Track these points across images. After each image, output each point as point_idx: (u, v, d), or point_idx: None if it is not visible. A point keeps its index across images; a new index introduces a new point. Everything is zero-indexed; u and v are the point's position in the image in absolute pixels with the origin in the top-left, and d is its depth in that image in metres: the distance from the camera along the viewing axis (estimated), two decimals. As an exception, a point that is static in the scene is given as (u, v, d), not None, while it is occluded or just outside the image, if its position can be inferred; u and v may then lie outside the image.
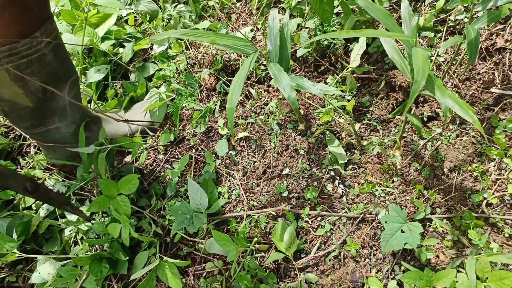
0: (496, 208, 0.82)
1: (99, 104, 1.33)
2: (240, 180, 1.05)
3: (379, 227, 0.86)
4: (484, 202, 0.83)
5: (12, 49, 0.75)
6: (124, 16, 1.53)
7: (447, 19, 1.12)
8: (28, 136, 1.21)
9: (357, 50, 1.04)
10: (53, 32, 0.83)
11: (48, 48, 0.83)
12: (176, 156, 1.15)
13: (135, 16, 1.51)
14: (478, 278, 0.69)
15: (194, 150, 1.14)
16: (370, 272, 0.81)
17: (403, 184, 0.91)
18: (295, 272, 0.87)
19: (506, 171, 0.86)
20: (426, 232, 0.84)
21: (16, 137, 1.35)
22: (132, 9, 1.52)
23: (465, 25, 0.92)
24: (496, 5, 0.84)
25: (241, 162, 1.07)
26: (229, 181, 1.06)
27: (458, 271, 0.73)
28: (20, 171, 1.21)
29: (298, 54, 1.14)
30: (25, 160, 1.25)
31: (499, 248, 0.76)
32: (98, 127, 1.13)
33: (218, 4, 1.48)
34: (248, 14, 1.44)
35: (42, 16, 0.80)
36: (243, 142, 1.10)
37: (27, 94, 0.85)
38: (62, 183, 1.15)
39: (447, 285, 0.68)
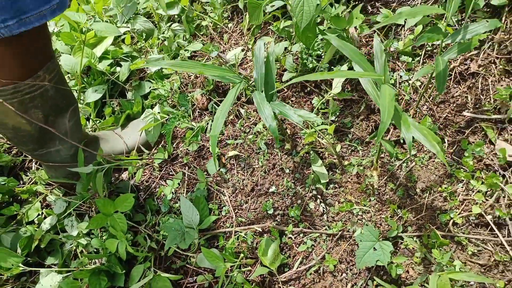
0: (461, 227, 0.90)
1: (97, 122, 1.40)
2: (229, 197, 1.12)
3: (356, 243, 0.93)
4: (451, 221, 0.90)
5: (16, 88, 0.82)
6: (121, 35, 1.60)
7: (426, 44, 1.20)
8: (29, 157, 1.28)
9: (339, 79, 1.11)
10: (55, 69, 0.90)
11: (50, 85, 0.90)
12: (171, 173, 1.22)
13: (132, 35, 1.58)
14: (440, 293, 0.77)
15: (187, 168, 1.21)
16: (346, 286, 0.89)
17: (379, 203, 0.98)
18: (279, 285, 0.94)
19: (472, 192, 0.93)
20: (398, 249, 0.91)
21: (18, 153, 1.42)
22: (129, 27, 1.59)
23: (436, 56, 0.99)
24: (465, 38, 0.91)
25: (231, 180, 1.15)
26: (219, 198, 1.13)
27: (423, 286, 0.81)
28: (23, 187, 1.28)
29: (284, 79, 1.21)
30: (27, 176, 1.32)
31: (462, 265, 0.83)
32: (96, 147, 1.20)
33: (211, 24, 1.55)
34: (240, 34, 1.51)
35: (45, 57, 0.87)
36: (233, 161, 1.17)
37: (30, 123, 0.92)
38: (62, 198, 1.22)
39: (411, 300, 0.76)
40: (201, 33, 1.57)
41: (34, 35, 0.81)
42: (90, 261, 1.09)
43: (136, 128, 1.29)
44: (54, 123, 0.99)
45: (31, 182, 1.31)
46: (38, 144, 1.02)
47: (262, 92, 0.94)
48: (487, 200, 0.91)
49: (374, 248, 0.85)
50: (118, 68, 1.48)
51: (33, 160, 1.37)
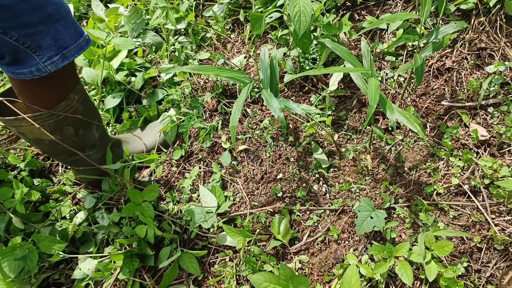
0: (444, 196, 1.06)
1: (116, 126, 1.55)
2: (242, 185, 1.27)
3: (355, 216, 1.09)
4: (435, 192, 1.06)
5: (52, 111, 0.95)
6: (134, 49, 1.76)
7: (407, 45, 1.37)
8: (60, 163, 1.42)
9: (336, 77, 1.28)
10: (81, 89, 1.02)
11: (79, 103, 1.02)
12: (187, 168, 1.37)
13: (143, 48, 1.74)
14: (427, 248, 0.92)
15: (202, 162, 1.36)
16: (349, 250, 1.04)
17: (373, 181, 1.14)
18: (291, 255, 1.09)
19: (452, 167, 1.10)
20: (391, 218, 1.07)
21: (45, 158, 1.56)
22: (139, 41, 1.76)
23: (414, 54, 1.16)
24: (438, 38, 1.08)
25: (242, 170, 1.30)
26: (233, 186, 1.28)
27: (414, 245, 0.96)
28: (53, 187, 1.42)
29: (285, 80, 1.37)
30: (56, 177, 1.46)
31: (445, 227, 0.99)
32: (120, 148, 1.35)
33: (214, 35, 1.72)
34: (241, 43, 1.68)
35: (73, 81, 0.99)
36: (243, 154, 1.33)
37: (64, 139, 1.06)
38: (91, 194, 1.37)
39: (404, 254, 0.91)
40: (206, 44, 1.74)
41: (64, 70, 0.91)
42: (120, 247, 1.23)
43: (153, 129, 1.44)
44: (84, 135, 1.13)
45: (60, 183, 1.45)
46: (70, 154, 1.15)
47: (268, 90, 1.10)
48: (464, 173, 1.07)
49: (370, 217, 1.00)
50: (133, 78, 1.64)
51: (59, 163, 1.51)
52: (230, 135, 1.37)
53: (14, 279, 1.12)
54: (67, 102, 0.98)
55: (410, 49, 1.36)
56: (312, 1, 1.18)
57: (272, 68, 1.12)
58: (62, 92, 0.97)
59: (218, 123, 1.41)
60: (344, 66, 1.30)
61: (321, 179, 1.20)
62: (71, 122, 1.04)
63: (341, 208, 1.11)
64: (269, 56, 1.13)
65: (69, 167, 1.41)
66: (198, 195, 1.26)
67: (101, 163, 1.29)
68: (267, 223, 1.16)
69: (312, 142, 1.26)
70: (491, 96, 1.17)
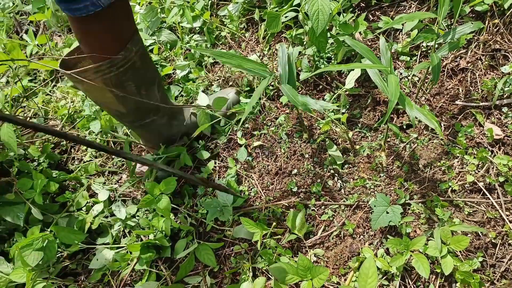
0: (458, 193, 1.07)
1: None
2: (257, 180, 1.29)
3: (370, 211, 1.10)
4: (450, 189, 1.07)
5: (112, 62, 0.96)
6: (149, 46, 1.79)
7: (421, 45, 1.39)
8: (129, 129, 1.44)
9: (353, 75, 1.30)
10: (139, 42, 1.03)
11: (137, 57, 1.02)
12: (203, 163, 1.39)
13: (159, 46, 1.77)
14: (443, 242, 0.93)
15: (217, 157, 1.38)
16: (364, 244, 1.05)
17: (388, 178, 1.16)
18: (306, 249, 1.11)
19: (466, 165, 1.11)
20: (406, 213, 1.08)
21: (62, 152, 1.59)
22: (155, 39, 1.79)
23: (430, 53, 1.18)
24: (454, 38, 1.10)
25: (257, 166, 1.32)
26: (248, 181, 1.30)
27: (429, 240, 0.97)
28: (69, 174, 1.44)
29: (301, 78, 1.39)
30: (73, 170, 1.49)
31: (460, 223, 1.00)
32: (183, 115, 1.38)
33: (229, 34, 1.75)
34: (255, 42, 1.71)
35: (130, 31, 1.00)
36: (258, 150, 1.35)
37: (126, 96, 1.06)
38: (106, 186, 1.39)
39: (419, 248, 0.92)
40: (220, 42, 1.76)
41: (119, 9, 0.93)
42: (137, 238, 1.25)
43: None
44: (147, 95, 1.14)
45: (78, 174, 1.47)
46: (137, 117, 1.18)
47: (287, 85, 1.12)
48: (479, 171, 1.09)
49: (386, 211, 1.02)
50: (149, 75, 1.66)
51: (75, 157, 1.54)
52: (245, 131, 1.39)
53: (34, 268, 1.14)
54: (125, 53, 0.98)
55: (424, 49, 1.38)
56: (330, 0, 1.20)
57: (290, 64, 1.14)
58: (119, 38, 0.97)
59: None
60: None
61: (336, 175, 1.21)
62: (131, 77, 1.04)
63: (356, 203, 1.12)
64: (287, 53, 1.15)
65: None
66: (213, 190, 1.28)
67: (165, 129, 1.32)
68: (283, 217, 1.18)
69: (327, 139, 1.28)
70: (505, 96, 1.19)
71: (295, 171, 1.26)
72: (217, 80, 1.56)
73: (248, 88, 1.51)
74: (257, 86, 1.51)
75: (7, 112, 1.53)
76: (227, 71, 1.56)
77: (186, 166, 1.37)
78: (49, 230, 1.18)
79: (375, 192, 1.14)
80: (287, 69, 1.13)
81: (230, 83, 1.52)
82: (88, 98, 1.58)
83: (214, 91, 1.54)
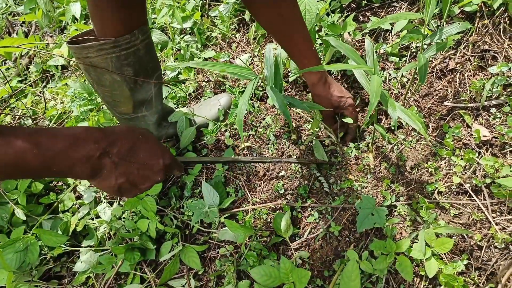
0: (445, 195, 1.06)
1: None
2: (244, 182, 1.27)
3: (356, 213, 1.09)
4: (436, 190, 1.06)
5: (116, 42, 0.98)
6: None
7: (410, 46, 1.38)
8: (119, 122, 1.41)
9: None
10: (147, 33, 1.05)
11: (142, 45, 1.04)
12: (191, 164, 1.38)
13: (149, 47, 1.76)
14: (427, 244, 0.92)
15: (205, 159, 1.37)
16: (350, 246, 1.04)
17: (375, 180, 1.15)
18: (291, 251, 1.09)
19: (453, 166, 1.10)
20: (392, 215, 1.07)
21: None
22: (145, 40, 1.78)
23: (417, 53, 1.17)
24: (441, 38, 1.09)
25: (245, 167, 1.30)
26: (235, 183, 1.29)
27: (414, 242, 0.96)
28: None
29: (290, 79, 1.38)
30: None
31: (446, 225, 0.99)
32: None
33: (220, 35, 1.74)
34: (246, 43, 1.70)
35: (140, 19, 1.02)
36: (246, 151, 1.33)
37: (123, 82, 1.08)
38: (90, 189, 1.37)
39: (404, 250, 0.91)
40: (211, 43, 1.76)
41: None
42: (122, 240, 1.24)
43: (207, 107, 1.44)
44: (142, 86, 1.14)
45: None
46: (128, 108, 1.18)
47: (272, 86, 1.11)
48: (465, 172, 1.08)
49: (372, 213, 1.00)
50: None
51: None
52: (233, 132, 1.38)
53: (16, 270, 1.13)
54: (131, 37, 1.00)
55: (413, 50, 1.37)
56: (317, 1, 1.20)
57: (277, 66, 1.13)
58: (127, 22, 0.99)
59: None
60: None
61: (323, 177, 1.20)
62: (132, 63, 1.06)
63: (342, 205, 1.11)
64: (273, 54, 1.14)
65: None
66: (200, 191, 1.27)
67: (156, 128, 1.32)
68: (269, 219, 1.16)
69: (314, 140, 1.27)
70: (493, 97, 1.18)
71: (282, 172, 1.25)
72: (207, 81, 1.54)
73: (244, 89, 1.50)
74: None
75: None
76: (218, 75, 1.55)
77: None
78: (31, 232, 1.17)
79: (362, 193, 1.13)
80: (273, 71, 1.11)
81: (223, 88, 1.51)
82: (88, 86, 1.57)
83: (209, 97, 1.53)
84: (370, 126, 1.27)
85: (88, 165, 0.66)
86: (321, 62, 1.15)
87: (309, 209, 1.15)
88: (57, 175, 0.65)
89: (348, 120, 1.15)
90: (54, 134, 0.63)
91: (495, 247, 0.95)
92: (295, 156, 1.26)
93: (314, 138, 1.27)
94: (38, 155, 0.60)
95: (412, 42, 1.38)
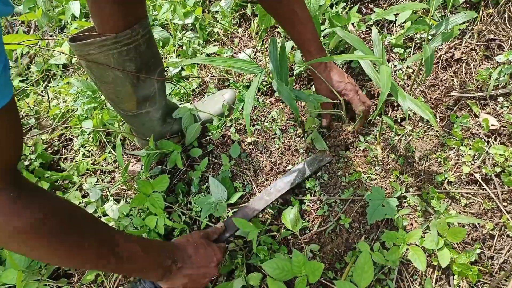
0: (455, 185, 1.06)
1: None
2: (251, 176, 1.27)
3: (366, 205, 1.09)
4: (446, 181, 1.06)
5: (117, 37, 0.98)
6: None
7: (415, 37, 1.37)
8: (123, 119, 1.42)
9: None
10: (147, 28, 1.05)
11: (143, 40, 1.04)
12: (196, 161, 1.37)
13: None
14: (439, 234, 0.92)
15: (210, 155, 1.36)
16: (360, 238, 1.03)
17: (383, 171, 1.14)
18: (302, 245, 1.09)
19: (462, 156, 1.10)
20: (402, 206, 1.07)
21: (54, 152, 1.57)
22: (147, 37, 1.76)
23: (423, 44, 1.17)
24: (447, 28, 1.08)
25: (251, 162, 1.30)
26: (242, 178, 1.28)
27: (426, 232, 0.96)
28: (61, 173, 1.42)
29: (295, 72, 1.37)
30: (65, 169, 1.47)
31: (457, 214, 0.98)
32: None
33: (222, 30, 1.73)
34: (248, 38, 1.69)
35: (140, 14, 1.02)
36: (252, 146, 1.33)
37: (125, 78, 1.07)
38: (96, 187, 1.37)
39: (416, 240, 0.91)
40: (213, 39, 1.74)
41: None
42: (131, 238, 1.23)
43: (211, 102, 1.44)
44: (144, 82, 1.14)
45: (69, 172, 1.45)
46: (131, 104, 1.17)
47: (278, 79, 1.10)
48: (475, 162, 1.07)
49: (382, 205, 1.00)
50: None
51: (67, 157, 1.52)
52: (239, 127, 1.37)
53: (25, 270, 1.12)
54: (131, 32, 1.00)
55: (418, 41, 1.36)
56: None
57: (282, 58, 1.12)
58: (128, 17, 0.99)
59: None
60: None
61: (331, 170, 1.20)
62: (133, 59, 1.06)
63: (351, 197, 1.11)
64: (279, 46, 1.13)
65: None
66: (207, 187, 1.26)
67: (158, 124, 1.31)
68: (277, 214, 1.16)
69: (313, 132, 1.26)
70: (500, 86, 1.17)
71: (289, 166, 1.24)
72: (211, 76, 1.54)
73: (248, 83, 1.49)
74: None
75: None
76: (221, 70, 1.54)
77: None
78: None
79: (371, 185, 1.12)
80: (278, 64, 1.11)
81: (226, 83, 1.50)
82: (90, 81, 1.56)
83: (213, 92, 1.52)
84: (377, 118, 1.26)
85: (161, 270, 0.87)
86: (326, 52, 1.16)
87: (318, 202, 1.15)
88: (131, 273, 0.97)
89: (355, 106, 1.15)
90: (149, 244, 0.87)
91: (508, 235, 0.94)
92: (302, 149, 1.26)
93: (315, 129, 1.26)
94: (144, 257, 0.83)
95: (417, 33, 1.37)
